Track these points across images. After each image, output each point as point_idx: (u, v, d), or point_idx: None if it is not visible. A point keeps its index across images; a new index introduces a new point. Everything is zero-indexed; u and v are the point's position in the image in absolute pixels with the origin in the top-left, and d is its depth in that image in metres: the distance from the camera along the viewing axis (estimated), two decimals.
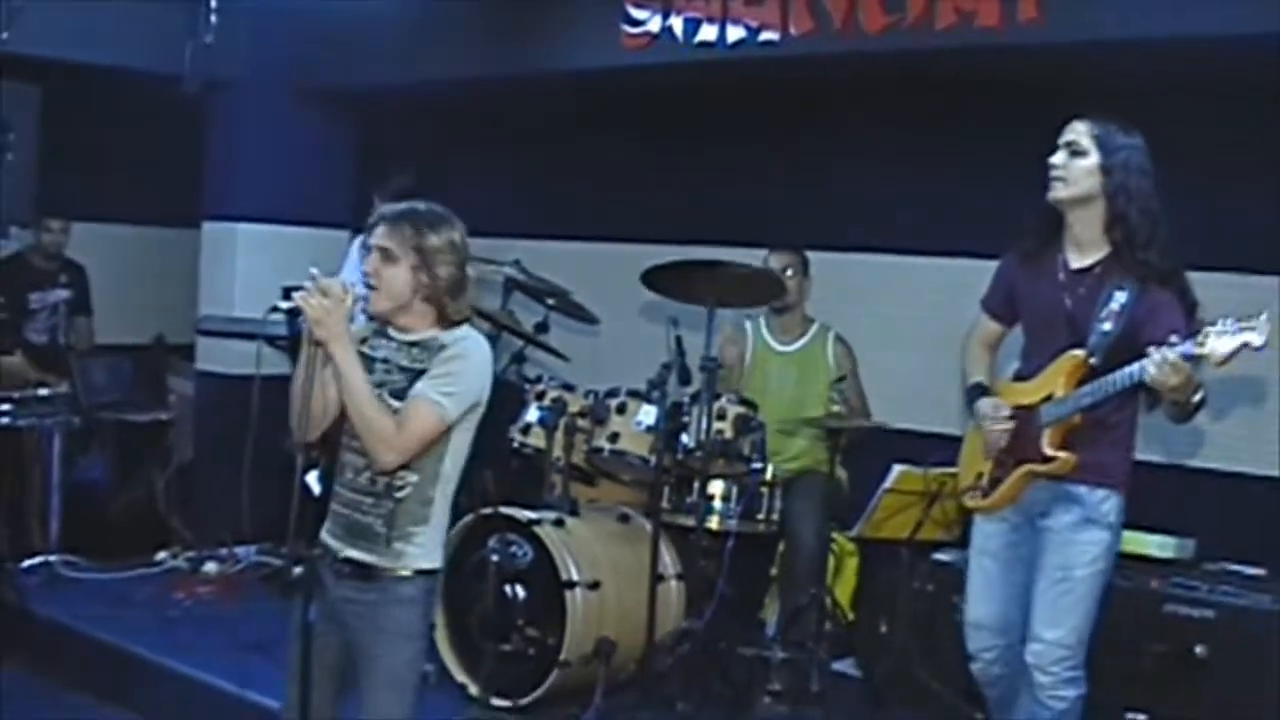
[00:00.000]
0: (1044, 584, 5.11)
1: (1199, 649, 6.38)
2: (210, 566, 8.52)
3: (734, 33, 7.28)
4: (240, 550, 8.60)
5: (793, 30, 7.10)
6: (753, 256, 7.38)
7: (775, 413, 7.17)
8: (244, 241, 9.31)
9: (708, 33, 7.38)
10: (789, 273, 7.52)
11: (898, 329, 8.15)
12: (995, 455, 5.31)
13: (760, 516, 7.00)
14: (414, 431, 4.29)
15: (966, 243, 7.65)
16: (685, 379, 6.71)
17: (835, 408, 6.97)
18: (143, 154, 10.13)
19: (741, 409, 6.76)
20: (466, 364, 4.37)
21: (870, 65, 7.19)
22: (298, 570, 4.33)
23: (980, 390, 5.42)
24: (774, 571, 7.45)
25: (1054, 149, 5.08)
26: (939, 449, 6.78)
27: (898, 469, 6.72)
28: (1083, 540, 5.07)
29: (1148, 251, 4.92)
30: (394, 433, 4.27)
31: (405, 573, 4.39)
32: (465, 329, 4.46)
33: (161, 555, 8.74)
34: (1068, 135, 5.05)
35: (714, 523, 6.89)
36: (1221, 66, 6.51)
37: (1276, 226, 6.92)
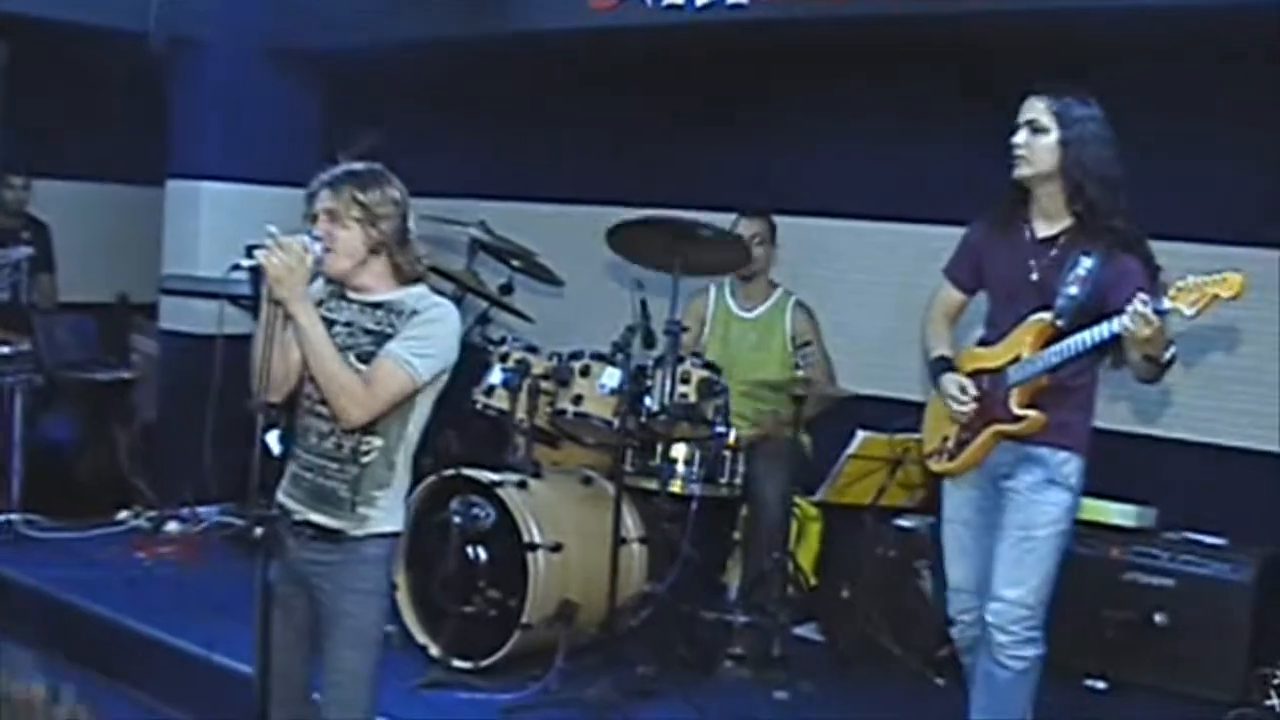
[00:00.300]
0: (1005, 544, 5.15)
1: (1159, 617, 6.44)
2: (173, 526, 8.50)
3: None
4: (203, 510, 8.57)
5: None
6: (720, 220, 7.37)
7: (733, 377, 7.17)
8: (208, 200, 9.25)
9: None
10: (757, 240, 7.53)
11: (863, 294, 8.18)
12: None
13: (723, 480, 6.99)
14: (383, 390, 4.30)
15: (934, 209, 7.66)
16: (649, 342, 6.71)
17: (799, 373, 6.97)
18: (107, 111, 10.07)
19: (705, 373, 6.74)
20: (438, 328, 4.38)
21: (837, 30, 7.18)
22: (259, 530, 4.30)
23: (945, 364, 5.43)
24: (737, 536, 7.45)
25: (1015, 128, 5.11)
26: (903, 415, 6.81)
27: (861, 435, 6.74)
28: (1045, 501, 5.12)
29: (1111, 220, 4.99)
30: (362, 389, 4.27)
31: (370, 533, 4.40)
32: (426, 291, 4.47)
33: (124, 515, 8.71)
34: (1027, 113, 5.10)
35: (677, 486, 6.88)
36: (1172, 31, 6.52)
37: (1233, 191, 6.94)
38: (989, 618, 5.14)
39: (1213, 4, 5.98)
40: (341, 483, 4.39)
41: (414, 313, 4.37)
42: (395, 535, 4.50)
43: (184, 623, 6.74)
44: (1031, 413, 5.09)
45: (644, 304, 6.73)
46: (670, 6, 7.38)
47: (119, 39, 8.64)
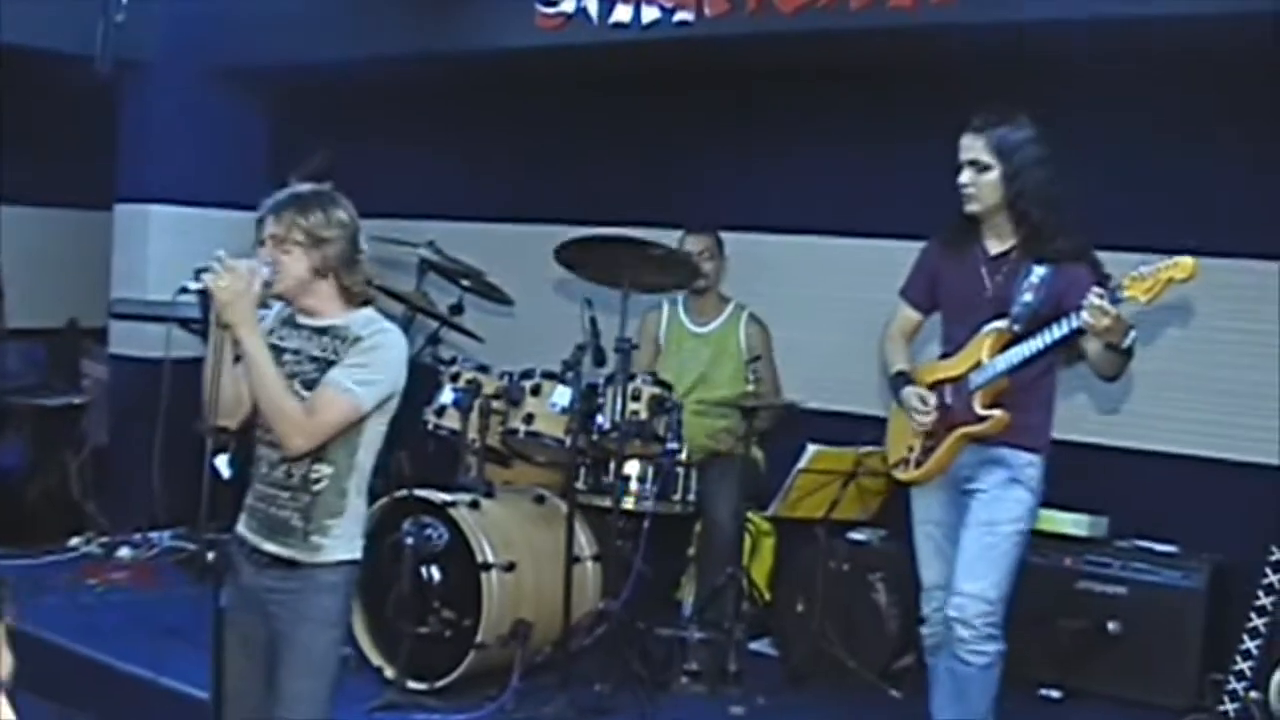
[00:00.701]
0: (968, 539, 5.29)
1: (1112, 625, 6.48)
2: (125, 552, 8.46)
3: (648, 13, 7.30)
4: (155, 535, 8.53)
5: (707, 11, 7.12)
6: (668, 238, 7.39)
7: (685, 394, 7.18)
8: (157, 223, 9.21)
9: (622, 13, 7.39)
10: (705, 255, 7.56)
11: (814, 309, 8.19)
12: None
13: (676, 497, 7.01)
14: (325, 418, 4.28)
15: (883, 223, 7.72)
16: (600, 360, 6.72)
17: (749, 388, 6.98)
18: (54, 135, 10.00)
19: (656, 390, 6.77)
20: (382, 354, 4.36)
21: (784, 46, 7.21)
22: (211, 555, 4.28)
23: (904, 379, 5.55)
24: (691, 552, 7.46)
25: (958, 167, 5.28)
26: (854, 428, 6.84)
27: (812, 448, 6.74)
28: (1008, 498, 5.28)
29: (1055, 241, 5.19)
30: (303, 417, 4.25)
31: (325, 562, 4.38)
32: (374, 314, 4.46)
33: (75, 541, 8.67)
34: (968, 153, 5.27)
35: (630, 503, 6.89)
36: (1130, 45, 6.56)
37: (1187, 203, 6.99)
38: (951, 612, 5.27)
39: (1147, 16, 6.02)
40: (294, 512, 4.37)
41: (358, 339, 4.35)
42: (353, 563, 4.47)
43: (136, 648, 6.71)
44: (996, 412, 5.22)
45: (594, 321, 6.74)
46: (616, 25, 7.40)
47: (65, 63, 8.58)
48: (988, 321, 5.28)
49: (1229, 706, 6.06)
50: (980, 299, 5.33)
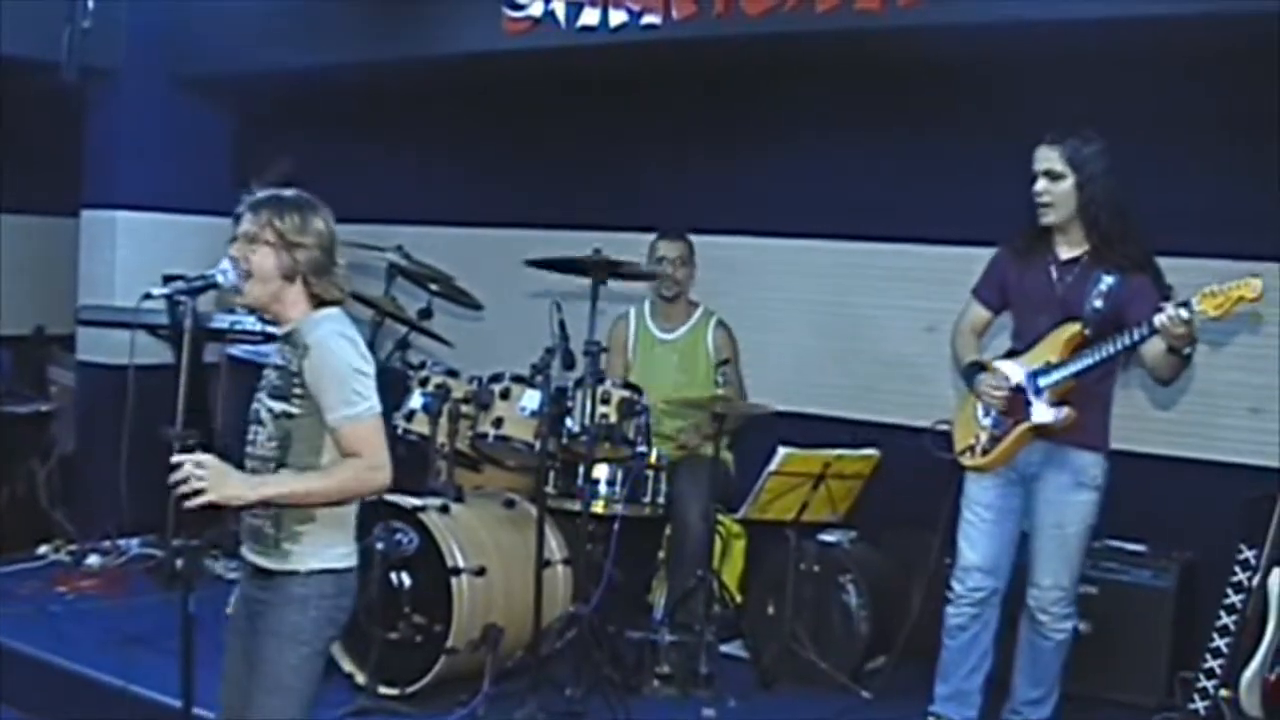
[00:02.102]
0: (1042, 540, 5.82)
1: (1082, 624, 6.47)
2: (93, 559, 8.42)
3: (616, 17, 7.31)
4: (123, 542, 8.50)
5: (675, 14, 7.13)
6: (637, 241, 7.39)
7: (655, 399, 7.17)
8: (123, 230, 9.19)
9: (590, 17, 7.39)
10: (678, 262, 7.59)
11: (781, 312, 8.20)
12: (995, 417, 5.87)
13: (646, 500, 7.03)
14: (368, 447, 4.25)
15: (852, 226, 7.72)
16: (569, 363, 6.70)
17: (719, 391, 6.98)
18: (20, 142, 9.96)
19: (625, 393, 6.77)
20: (337, 366, 4.27)
21: (752, 49, 7.22)
22: (180, 562, 4.27)
23: (978, 367, 5.94)
24: (662, 555, 7.46)
25: (1034, 176, 5.62)
26: (823, 430, 6.85)
27: (783, 451, 6.74)
28: (1075, 501, 5.77)
29: (1125, 245, 5.61)
30: (362, 469, 4.25)
31: (295, 570, 4.32)
32: (324, 317, 4.36)
33: (43, 549, 8.63)
34: (1043, 163, 5.64)
35: (600, 507, 6.90)
36: (1098, 46, 6.59)
37: (1157, 203, 7.01)
38: (1030, 602, 5.85)
39: (1109, 18, 6.05)
40: (265, 519, 4.33)
41: (306, 348, 4.27)
42: (330, 573, 4.36)
43: (105, 656, 6.68)
44: (1065, 409, 5.62)
45: (563, 325, 6.72)
46: (584, 28, 7.41)
47: (31, 69, 8.56)
48: (1055, 320, 5.69)
49: (1199, 705, 6.07)
50: (1050, 298, 5.74)
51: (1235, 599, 6.12)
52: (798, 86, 7.87)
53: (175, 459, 4.11)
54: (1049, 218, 5.67)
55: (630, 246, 7.24)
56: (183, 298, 4.43)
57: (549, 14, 7.52)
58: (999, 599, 5.95)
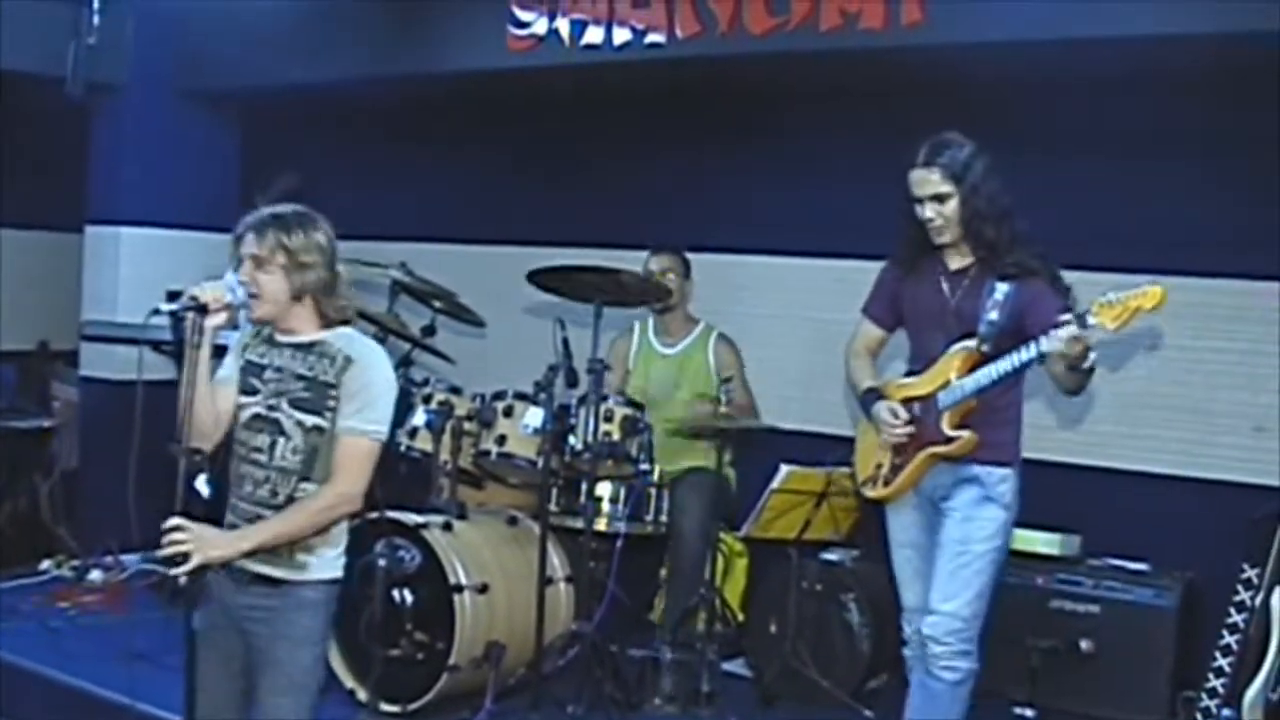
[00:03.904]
0: (943, 559, 5.33)
1: (1084, 643, 6.49)
2: (96, 575, 8.39)
3: (620, 35, 7.32)
4: (126, 558, 8.48)
5: (679, 32, 7.13)
6: (636, 258, 7.40)
7: (656, 414, 7.18)
8: (128, 245, 9.20)
9: (594, 35, 7.40)
10: (670, 275, 7.59)
11: (779, 329, 8.22)
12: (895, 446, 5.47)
13: (648, 518, 7.03)
14: (359, 468, 4.35)
15: (848, 243, 7.72)
16: (572, 381, 6.70)
17: (722, 408, 6.98)
18: (25, 157, 9.99)
19: (629, 410, 6.78)
20: (377, 381, 4.39)
21: (755, 68, 7.23)
22: (183, 577, 4.27)
23: (875, 394, 5.56)
24: (664, 573, 7.46)
25: (919, 200, 5.30)
26: (826, 448, 6.84)
27: (785, 469, 6.74)
28: (981, 517, 5.30)
29: (1011, 254, 5.24)
30: (343, 486, 4.33)
31: (308, 579, 4.38)
32: (354, 333, 4.46)
33: (46, 564, 8.60)
34: (926, 188, 5.28)
35: (602, 524, 6.90)
36: (1099, 66, 6.60)
37: (1156, 222, 7.02)
38: (925, 630, 5.33)
39: (1114, 37, 6.06)
40: None
41: (347, 359, 4.35)
42: (334, 582, 4.48)
43: (108, 672, 6.66)
44: (964, 433, 5.24)
45: (566, 342, 6.73)
46: (588, 46, 7.42)
47: (36, 84, 8.59)
48: (952, 336, 5.33)
49: None
50: (944, 311, 5.39)
51: (1238, 618, 6.12)
52: (801, 105, 7.89)
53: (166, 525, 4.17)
54: (944, 238, 5.33)
55: (632, 264, 7.24)
56: (188, 314, 4.44)
57: (553, 32, 7.53)
58: None
